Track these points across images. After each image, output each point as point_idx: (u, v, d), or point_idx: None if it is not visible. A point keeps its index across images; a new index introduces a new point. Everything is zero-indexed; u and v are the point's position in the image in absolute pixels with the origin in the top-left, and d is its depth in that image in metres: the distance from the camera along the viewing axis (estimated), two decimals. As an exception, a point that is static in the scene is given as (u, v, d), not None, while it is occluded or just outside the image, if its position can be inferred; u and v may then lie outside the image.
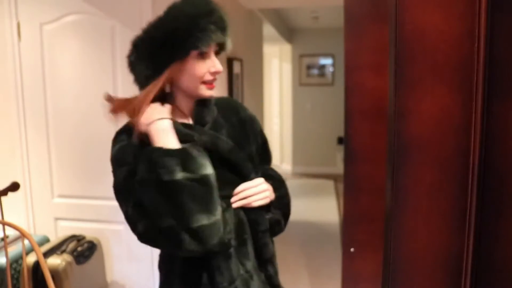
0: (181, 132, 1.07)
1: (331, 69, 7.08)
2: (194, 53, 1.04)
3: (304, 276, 3.43)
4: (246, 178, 1.14)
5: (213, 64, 1.08)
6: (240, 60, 3.75)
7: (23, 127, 2.55)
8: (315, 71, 7.16)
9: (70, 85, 2.46)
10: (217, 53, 1.13)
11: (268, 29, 5.32)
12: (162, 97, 1.10)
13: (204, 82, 1.09)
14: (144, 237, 1.02)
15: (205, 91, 1.10)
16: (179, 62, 1.04)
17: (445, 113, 0.74)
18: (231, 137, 1.16)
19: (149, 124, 1.03)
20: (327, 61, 7.09)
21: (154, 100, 1.08)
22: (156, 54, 1.04)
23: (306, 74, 7.17)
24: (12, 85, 2.51)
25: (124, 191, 1.05)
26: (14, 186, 2.08)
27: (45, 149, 2.54)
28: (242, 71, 3.87)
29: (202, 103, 1.14)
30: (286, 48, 7.30)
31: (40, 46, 2.46)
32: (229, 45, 1.12)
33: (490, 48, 0.70)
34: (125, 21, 2.32)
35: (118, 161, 1.07)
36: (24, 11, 2.45)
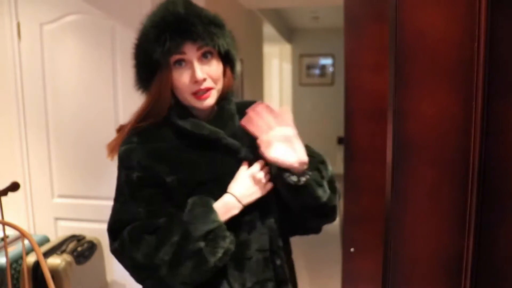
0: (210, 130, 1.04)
1: (331, 69, 7.08)
2: (171, 62, 0.98)
3: (304, 276, 3.43)
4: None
5: (192, 73, 0.98)
6: (240, 60, 3.74)
7: (23, 127, 2.55)
8: (315, 71, 7.16)
9: (70, 85, 2.46)
10: (229, 58, 1.06)
11: (268, 29, 5.32)
12: (181, 107, 1.06)
13: (193, 94, 1.01)
14: (117, 253, 1.03)
15: (198, 103, 1.01)
16: (163, 74, 1.00)
17: (445, 113, 0.74)
18: (252, 146, 1.07)
19: (240, 196, 1.02)
20: (327, 61, 7.09)
21: (170, 111, 1.05)
22: (138, 69, 1.05)
23: (306, 74, 7.17)
24: (12, 85, 2.51)
25: (119, 192, 1.06)
26: (14, 186, 2.08)
27: (45, 149, 2.54)
28: (242, 71, 3.88)
29: (222, 112, 1.08)
30: (286, 48, 7.30)
31: (40, 46, 2.46)
32: (222, 42, 1.00)
33: (490, 48, 0.70)
34: (125, 21, 2.31)
35: (122, 162, 1.06)
36: (24, 11, 2.45)
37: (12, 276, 2.11)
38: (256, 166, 1.05)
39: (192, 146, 1.05)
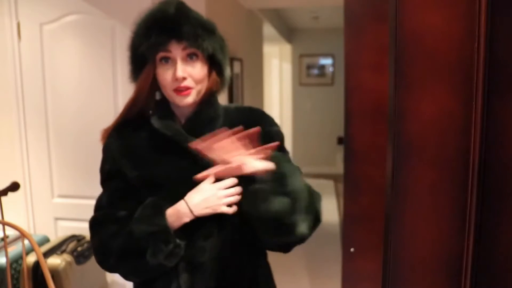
0: (176, 134, 1.07)
1: (331, 69, 7.08)
2: (157, 58, 1.03)
3: (304, 276, 3.43)
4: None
5: (174, 70, 1.02)
6: (240, 60, 3.75)
7: (23, 127, 2.55)
8: (315, 71, 7.16)
9: (70, 85, 2.47)
10: (215, 62, 1.07)
11: (268, 29, 5.32)
12: (164, 104, 1.10)
13: (175, 90, 1.03)
14: (92, 225, 1.12)
15: (178, 99, 1.04)
16: (147, 69, 1.05)
17: (445, 113, 0.74)
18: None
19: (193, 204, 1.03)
20: (327, 61, 7.09)
21: (154, 107, 1.11)
22: (129, 62, 1.09)
23: (306, 74, 7.17)
24: (12, 85, 2.51)
25: (102, 180, 1.15)
26: (14, 186, 2.08)
27: (45, 149, 2.54)
28: (242, 71, 3.88)
29: (199, 114, 1.09)
30: (286, 48, 7.30)
31: (40, 46, 2.46)
32: (207, 46, 1.02)
33: (490, 48, 0.70)
34: (125, 21, 2.31)
35: (104, 153, 1.14)
36: (24, 11, 2.45)
37: (12, 276, 2.11)
38: (223, 183, 1.03)
39: (160, 146, 1.08)
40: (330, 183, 6.57)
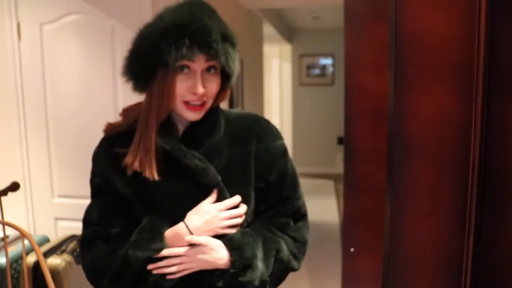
0: (174, 148, 0.98)
1: (331, 69, 7.08)
2: (174, 67, 0.92)
3: (304, 276, 3.43)
4: None
5: (194, 84, 0.93)
6: (240, 60, 3.75)
7: (23, 127, 2.55)
8: (315, 71, 7.16)
9: (70, 85, 2.46)
10: (229, 75, 0.99)
11: (268, 29, 5.32)
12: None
13: (185, 102, 0.96)
14: (82, 243, 1.08)
15: (185, 113, 0.97)
16: (160, 75, 0.94)
17: (445, 113, 0.74)
18: (225, 169, 1.02)
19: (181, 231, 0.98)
20: (327, 61, 7.09)
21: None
22: (134, 59, 0.98)
23: (306, 74, 7.18)
24: (12, 85, 2.52)
25: (92, 193, 1.12)
26: (14, 186, 2.08)
27: (45, 149, 2.54)
28: (242, 71, 3.88)
29: (199, 124, 1.01)
30: (286, 48, 7.30)
31: (40, 46, 2.46)
32: (231, 63, 0.95)
33: (490, 48, 0.70)
34: (125, 21, 2.31)
35: (93, 163, 1.12)
36: (24, 11, 2.45)
37: (12, 276, 2.11)
38: (224, 204, 0.99)
39: (157, 160, 0.98)
40: (330, 183, 6.57)
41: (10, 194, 2.05)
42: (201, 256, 0.97)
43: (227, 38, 0.94)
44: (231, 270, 0.98)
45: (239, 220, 1.01)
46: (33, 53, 2.47)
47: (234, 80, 1.03)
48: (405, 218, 0.78)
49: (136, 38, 0.97)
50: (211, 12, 0.95)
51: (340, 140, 6.54)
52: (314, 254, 3.86)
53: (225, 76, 1.00)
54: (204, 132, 1.02)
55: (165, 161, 0.99)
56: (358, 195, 1.86)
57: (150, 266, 0.97)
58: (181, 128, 1.04)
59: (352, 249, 1.88)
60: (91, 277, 1.05)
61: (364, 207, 1.84)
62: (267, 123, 1.11)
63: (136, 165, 0.97)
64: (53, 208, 2.60)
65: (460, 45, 0.72)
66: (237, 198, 1.01)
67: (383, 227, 0.83)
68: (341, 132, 2.32)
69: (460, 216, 0.75)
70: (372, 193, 1.78)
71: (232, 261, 0.97)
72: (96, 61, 2.41)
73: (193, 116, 0.98)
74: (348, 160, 1.90)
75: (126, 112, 1.07)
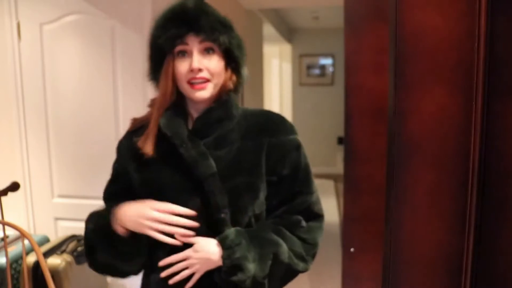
0: (173, 135, 1.04)
1: (331, 69, 7.08)
2: (175, 53, 1.02)
3: (304, 276, 3.43)
4: (215, 212, 1.01)
5: (190, 62, 1.01)
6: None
7: (23, 127, 2.55)
8: (315, 71, 7.16)
9: (70, 85, 2.47)
10: (231, 58, 1.07)
11: (268, 29, 5.32)
12: (179, 102, 1.08)
13: (189, 83, 1.02)
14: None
15: (192, 93, 1.03)
16: (166, 62, 1.04)
17: (445, 113, 0.73)
18: (233, 160, 1.05)
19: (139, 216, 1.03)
20: (327, 61, 7.09)
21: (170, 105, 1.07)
22: (149, 58, 1.08)
23: (306, 74, 7.17)
24: (12, 85, 2.52)
25: (111, 176, 1.19)
26: (14, 186, 2.07)
27: (45, 149, 2.54)
28: (242, 71, 3.87)
29: (209, 113, 1.06)
30: (286, 48, 7.30)
31: (40, 46, 2.46)
32: (223, 39, 1.03)
33: (490, 48, 0.70)
34: (125, 21, 2.31)
35: (116, 152, 1.17)
36: (24, 11, 2.45)
37: (12, 276, 2.11)
38: (165, 206, 1.01)
39: (165, 148, 1.04)
40: (330, 183, 6.57)
41: (10, 194, 2.05)
42: (196, 255, 1.01)
43: (215, 18, 1.03)
44: (223, 269, 1.01)
45: (170, 229, 1.00)
46: (33, 53, 2.47)
47: (242, 63, 1.10)
48: (405, 218, 0.78)
49: (148, 39, 1.08)
50: (202, 2, 1.04)
51: (340, 140, 6.53)
52: (314, 254, 3.86)
53: (232, 61, 1.08)
54: (215, 120, 1.06)
55: (169, 148, 1.04)
56: (358, 195, 1.86)
57: (163, 274, 1.04)
58: (194, 116, 1.09)
59: (352, 249, 1.88)
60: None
61: (364, 207, 1.84)
62: (281, 118, 1.14)
63: (140, 143, 1.05)
64: (53, 208, 2.60)
65: (460, 45, 0.72)
66: (188, 211, 1.01)
67: (383, 227, 0.82)
68: (341, 132, 2.32)
69: (460, 216, 0.74)
70: (372, 193, 1.78)
71: (223, 260, 1.00)
72: (96, 61, 2.41)
73: (199, 95, 1.02)
74: (348, 160, 1.90)
75: (151, 102, 1.13)
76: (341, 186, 3.90)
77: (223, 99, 1.07)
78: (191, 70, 1.01)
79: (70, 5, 2.39)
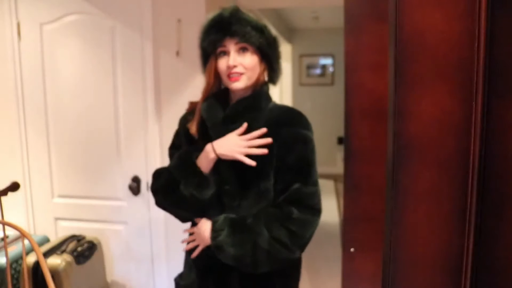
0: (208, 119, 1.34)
1: (331, 69, 7.08)
2: (217, 53, 1.30)
3: (304, 276, 3.43)
4: (222, 184, 1.31)
5: (228, 60, 1.28)
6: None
7: (23, 127, 2.55)
8: (315, 71, 7.16)
9: (70, 85, 2.47)
10: (264, 56, 1.31)
11: (268, 29, 5.31)
12: (223, 91, 1.37)
13: (228, 77, 1.28)
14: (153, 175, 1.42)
15: (229, 83, 1.29)
16: (210, 61, 1.32)
17: (445, 113, 0.73)
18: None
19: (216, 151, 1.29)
20: (327, 61, 7.09)
21: (214, 95, 1.36)
22: (200, 57, 1.38)
23: (306, 74, 7.17)
24: (12, 85, 2.52)
25: (170, 145, 1.50)
26: (14, 186, 2.08)
27: (45, 149, 2.54)
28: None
29: (240, 101, 1.31)
30: (286, 48, 7.29)
31: (40, 46, 2.46)
32: (253, 40, 1.26)
33: (490, 48, 0.70)
34: (125, 21, 2.31)
35: (178, 124, 1.47)
36: (24, 11, 2.45)
37: (12, 276, 2.11)
38: (248, 135, 1.27)
39: (206, 127, 1.34)
40: (330, 183, 6.57)
41: (10, 194, 2.05)
42: (197, 231, 1.33)
43: (247, 23, 1.26)
44: (210, 247, 1.28)
45: (258, 151, 1.25)
46: (33, 53, 2.47)
47: (274, 60, 1.34)
48: (405, 218, 0.78)
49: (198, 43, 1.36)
50: (234, 9, 1.28)
51: (340, 140, 6.53)
52: (314, 254, 3.86)
53: (265, 58, 1.32)
54: (244, 109, 1.31)
55: (207, 128, 1.34)
56: (358, 195, 1.86)
57: (187, 247, 1.41)
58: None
59: (352, 249, 1.87)
60: (154, 198, 1.38)
61: (364, 207, 1.83)
62: (299, 114, 1.35)
63: (189, 124, 1.38)
64: (53, 208, 2.60)
65: (460, 44, 0.72)
66: (262, 130, 1.27)
67: (383, 227, 0.82)
68: (341, 132, 2.32)
69: (460, 216, 0.74)
70: (372, 193, 1.78)
71: (211, 240, 1.27)
72: (96, 61, 2.41)
73: (234, 85, 1.28)
74: (348, 160, 1.90)
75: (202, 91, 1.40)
76: (341, 186, 3.90)
77: (256, 91, 1.32)
78: (228, 67, 1.26)
79: (70, 5, 2.39)
